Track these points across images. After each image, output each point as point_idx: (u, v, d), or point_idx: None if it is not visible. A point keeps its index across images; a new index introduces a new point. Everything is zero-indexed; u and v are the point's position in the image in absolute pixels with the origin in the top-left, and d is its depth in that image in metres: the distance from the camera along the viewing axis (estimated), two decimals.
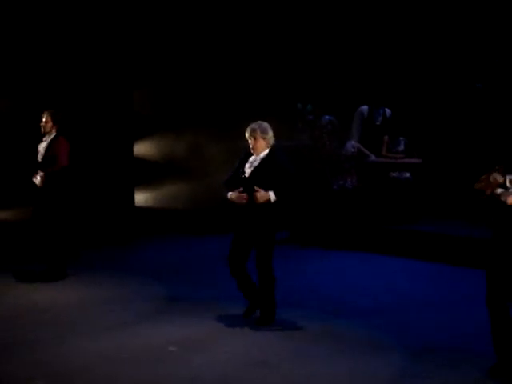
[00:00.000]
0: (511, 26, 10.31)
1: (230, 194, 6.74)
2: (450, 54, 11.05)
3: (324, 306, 7.54)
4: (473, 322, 6.64)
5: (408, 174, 10.85)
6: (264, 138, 6.71)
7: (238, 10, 11.87)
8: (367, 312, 7.29)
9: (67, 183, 8.53)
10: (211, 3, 11.90)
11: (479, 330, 6.03)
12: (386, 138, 11.30)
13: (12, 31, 10.77)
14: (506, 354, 5.46)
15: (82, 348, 6.22)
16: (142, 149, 12.57)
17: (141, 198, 12.58)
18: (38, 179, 8.40)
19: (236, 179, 6.78)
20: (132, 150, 12.39)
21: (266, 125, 6.77)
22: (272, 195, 6.60)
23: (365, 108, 11.46)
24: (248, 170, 6.74)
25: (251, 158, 6.78)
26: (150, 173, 12.54)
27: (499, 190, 5.36)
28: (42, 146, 8.55)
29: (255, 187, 6.60)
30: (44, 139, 8.56)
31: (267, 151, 6.75)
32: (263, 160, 6.73)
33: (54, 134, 8.50)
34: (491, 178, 5.37)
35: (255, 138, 6.70)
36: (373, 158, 11.21)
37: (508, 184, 5.36)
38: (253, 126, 6.75)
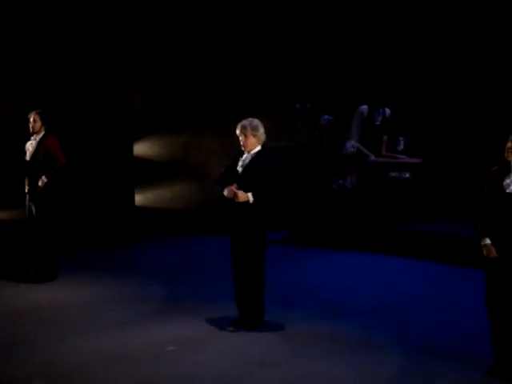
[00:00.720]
0: (510, 26, 10.30)
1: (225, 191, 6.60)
2: (450, 54, 11.04)
3: (324, 305, 7.53)
4: (473, 321, 6.64)
5: (408, 174, 10.85)
6: (254, 135, 6.61)
7: (236, 9, 11.86)
8: (367, 312, 7.29)
9: (63, 182, 8.55)
10: (210, 3, 11.89)
11: (479, 330, 6.04)
12: (385, 137, 11.30)
13: (12, 32, 10.77)
14: (505, 353, 5.47)
15: (82, 348, 6.22)
16: (141, 149, 12.57)
17: (141, 198, 12.58)
18: (40, 183, 8.38)
19: (227, 178, 6.67)
20: (132, 150, 12.39)
21: (256, 122, 6.67)
22: (250, 197, 6.50)
23: (364, 108, 11.45)
24: (240, 169, 6.67)
25: (244, 156, 6.71)
26: (149, 173, 12.54)
27: None
28: (30, 145, 8.56)
29: (235, 186, 6.49)
30: (32, 138, 8.58)
31: (259, 148, 6.66)
32: (254, 157, 6.65)
33: (42, 133, 8.54)
34: None
35: (245, 135, 6.61)
36: (372, 157, 11.21)
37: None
38: (243, 122, 6.66)
